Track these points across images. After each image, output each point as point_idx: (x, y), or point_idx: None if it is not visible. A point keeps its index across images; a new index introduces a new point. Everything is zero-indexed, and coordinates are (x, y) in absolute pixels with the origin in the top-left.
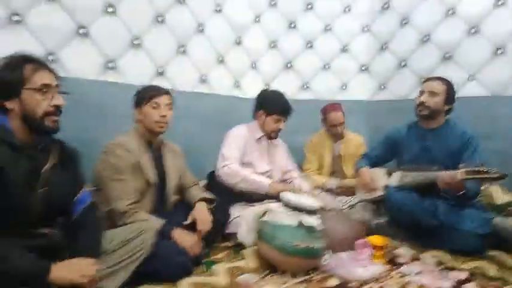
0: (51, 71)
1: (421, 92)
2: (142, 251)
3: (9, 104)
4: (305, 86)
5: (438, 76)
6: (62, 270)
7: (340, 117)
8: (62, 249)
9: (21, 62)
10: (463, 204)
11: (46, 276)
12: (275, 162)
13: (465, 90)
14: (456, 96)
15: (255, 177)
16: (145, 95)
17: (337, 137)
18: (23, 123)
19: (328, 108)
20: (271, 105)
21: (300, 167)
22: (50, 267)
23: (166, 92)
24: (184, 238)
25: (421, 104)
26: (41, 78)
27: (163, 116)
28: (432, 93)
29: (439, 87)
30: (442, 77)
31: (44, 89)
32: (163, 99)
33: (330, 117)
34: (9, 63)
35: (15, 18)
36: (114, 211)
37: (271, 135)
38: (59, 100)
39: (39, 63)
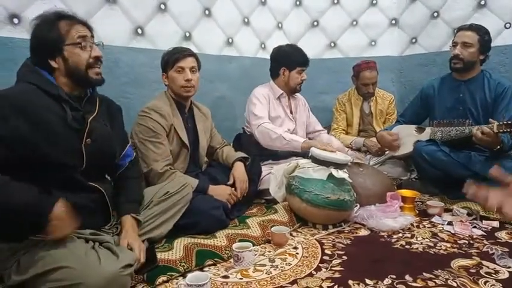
0: (83, 23)
1: (454, 44)
2: (183, 204)
3: (53, 63)
4: (332, 44)
5: (471, 24)
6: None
7: (373, 76)
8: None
9: (55, 20)
10: (497, 155)
11: (47, 213)
12: (297, 118)
13: (501, 38)
14: (493, 44)
15: (290, 136)
16: (170, 60)
17: (367, 95)
18: (69, 78)
19: (362, 66)
20: (292, 59)
21: (329, 127)
22: (53, 204)
23: (191, 54)
24: (220, 192)
25: (455, 56)
26: (77, 31)
27: (189, 80)
28: (466, 45)
29: (472, 37)
30: (475, 25)
31: (82, 42)
32: (187, 63)
33: (364, 75)
34: (44, 23)
35: None
36: (153, 172)
37: (296, 89)
38: (97, 51)
39: (71, 18)
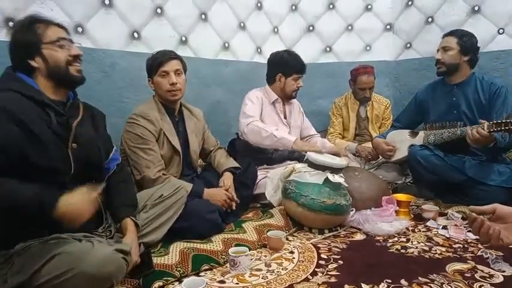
0: (60, 26)
1: (438, 50)
2: (177, 207)
3: (33, 63)
4: (327, 49)
5: (452, 30)
6: (68, 200)
7: (370, 81)
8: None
9: (32, 22)
10: (492, 159)
11: (51, 208)
12: (292, 123)
13: (494, 43)
14: (486, 50)
15: (281, 134)
16: (153, 65)
17: (364, 99)
18: (50, 80)
19: (360, 71)
20: (289, 66)
21: (326, 131)
22: (57, 198)
23: (174, 57)
24: (216, 196)
25: (437, 61)
26: (55, 32)
27: (174, 84)
28: (445, 49)
29: (451, 41)
30: (455, 30)
31: (60, 41)
32: (171, 66)
33: (361, 79)
34: (22, 26)
35: None
36: (146, 179)
37: (292, 95)
38: (76, 50)
39: (47, 21)
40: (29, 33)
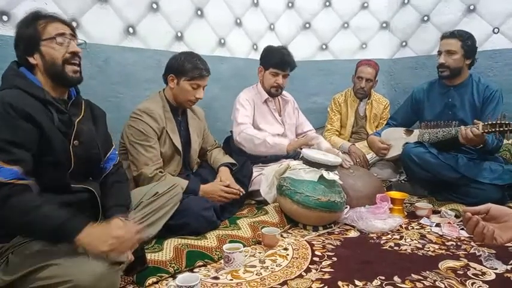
0: (63, 22)
1: (439, 52)
2: (172, 204)
3: (32, 60)
4: (323, 46)
5: (453, 31)
6: (90, 234)
7: (369, 72)
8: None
9: (33, 19)
10: (484, 157)
11: (74, 237)
12: (287, 121)
13: (489, 43)
14: (481, 49)
15: (274, 140)
16: (189, 72)
17: (360, 91)
18: (48, 77)
19: (363, 62)
20: (267, 58)
21: (323, 128)
22: (82, 228)
23: (208, 74)
24: (212, 190)
25: (441, 65)
26: (55, 28)
27: (199, 98)
28: (449, 52)
29: (455, 44)
30: (457, 32)
31: (59, 38)
32: (204, 82)
33: (361, 69)
34: (25, 21)
35: None
36: (143, 176)
37: (271, 92)
38: (74, 47)
39: (50, 17)
40: (29, 29)
